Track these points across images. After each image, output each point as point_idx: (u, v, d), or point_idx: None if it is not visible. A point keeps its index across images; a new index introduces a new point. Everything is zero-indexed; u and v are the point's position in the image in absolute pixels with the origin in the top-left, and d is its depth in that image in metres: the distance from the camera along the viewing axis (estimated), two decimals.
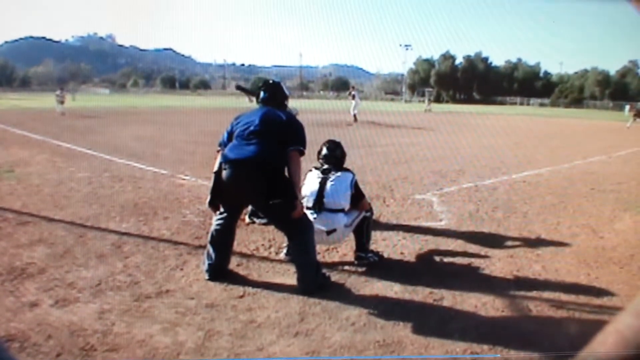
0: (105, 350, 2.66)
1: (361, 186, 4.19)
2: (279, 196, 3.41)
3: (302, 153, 3.57)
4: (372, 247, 4.21)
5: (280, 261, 4.07)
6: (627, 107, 39.92)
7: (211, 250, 3.67)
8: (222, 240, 3.68)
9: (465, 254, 4.35)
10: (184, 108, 29.91)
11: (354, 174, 4.11)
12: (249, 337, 2.85)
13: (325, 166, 4.10)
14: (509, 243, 4.73)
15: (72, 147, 10.70)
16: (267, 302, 3.31)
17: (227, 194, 3.56)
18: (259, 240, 4.57)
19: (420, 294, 3.49)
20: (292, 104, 4.57)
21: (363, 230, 4.09)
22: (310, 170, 4.10)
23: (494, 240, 4.77)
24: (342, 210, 3.95)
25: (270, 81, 4.00)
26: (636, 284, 3.78)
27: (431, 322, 3.08)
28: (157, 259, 4.05)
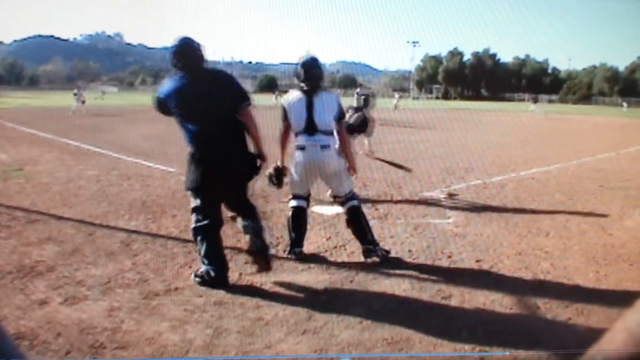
0: (115, 347, 2.68)
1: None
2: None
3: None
4: (381, 244, 4.20)
5: (288, 259, 4.07)
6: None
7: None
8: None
9: (473, 252, 4.34)
10: None
11: (336, 94, 4.14)
12: (257, 334, 2.86)
13: (305, 87, 4.01)
14: (517, 240, 4.70)
15: (80, 146, 10.77)
16: (275, 300, 3.32)
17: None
18: (267, 238, 4.57)
19: (428, 291, 3.49)
20: None
21: (361, 222, 4.09)
22: (288, 92, 4.10)
23: (502, 238, 4.74)
24: (331, 135, 4.00)
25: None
26: None
27: (439, 319, 3.07)
28: (166, 256, 4.07)
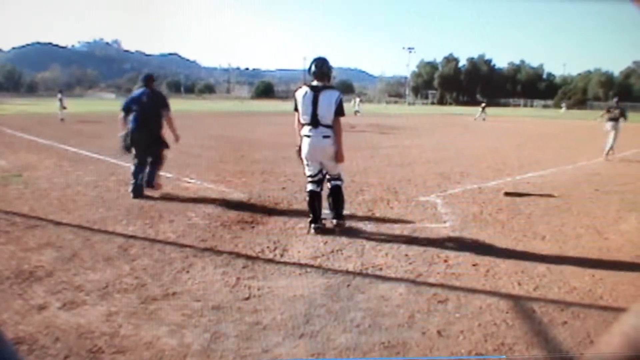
0: (113, 352, 2.68)
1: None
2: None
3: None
4: (377, 248, 4.23)
5: (286, 263, 4.09)
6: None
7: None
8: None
9: (469, 256, 4.35)
10: (189, 112, 29.99)
11: (340, 92, 4.90)
12: (254, 339, 2.87)
13: (315, 82, 4.86)
14: (513, 244, 4.73)
15: (79, 152, 10.78)
16: (273, 304, 3.33)
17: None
18: (265, 242, 4.59)
19: (425, 295, 3.50)
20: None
21: (340, 198, 5.05)
22: (301, 87, 4.92)
23: (498, 242, 4.77)
24: (331, 127, 4.82)
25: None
26: None
27: (436, 323, 3.09)
28: (164, 261, 4.08)
